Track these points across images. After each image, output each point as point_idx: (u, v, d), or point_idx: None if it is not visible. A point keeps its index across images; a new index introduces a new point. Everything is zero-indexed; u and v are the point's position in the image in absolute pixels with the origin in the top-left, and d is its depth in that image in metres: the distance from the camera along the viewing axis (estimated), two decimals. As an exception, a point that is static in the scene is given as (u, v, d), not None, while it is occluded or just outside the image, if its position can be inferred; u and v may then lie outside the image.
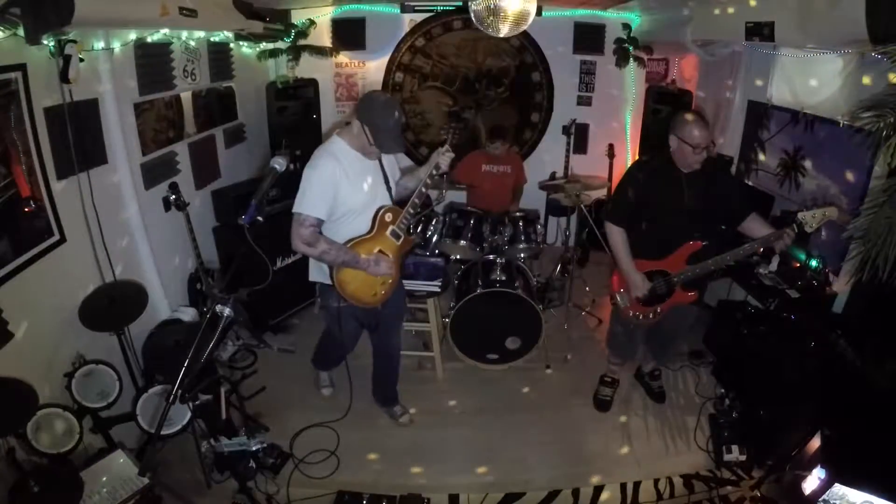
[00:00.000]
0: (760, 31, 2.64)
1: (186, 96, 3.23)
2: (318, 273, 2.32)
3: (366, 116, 2.12)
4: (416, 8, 4.40)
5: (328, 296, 2.34)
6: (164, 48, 2.92)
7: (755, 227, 2.38)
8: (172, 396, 1.59)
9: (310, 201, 2.08)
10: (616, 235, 2.47)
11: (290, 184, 2.38)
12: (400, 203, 2.37)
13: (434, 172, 2.29)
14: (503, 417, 2.93)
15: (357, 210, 2.22)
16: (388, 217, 2.29)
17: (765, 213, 3.07)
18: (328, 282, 2.24)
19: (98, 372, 2.29)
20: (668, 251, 2.44)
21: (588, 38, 4.57)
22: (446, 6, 4.39)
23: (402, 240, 2.34)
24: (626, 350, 2.94)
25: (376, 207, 2.26)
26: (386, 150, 2.23)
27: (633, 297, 2.49)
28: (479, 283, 3.15)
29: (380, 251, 2.27)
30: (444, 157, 2.27)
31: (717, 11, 3.05)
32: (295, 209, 2.11)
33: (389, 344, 2.72)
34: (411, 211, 2.30)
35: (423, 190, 2.30)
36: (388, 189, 2.34)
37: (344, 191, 2.14)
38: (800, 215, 2.17)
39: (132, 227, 2.72)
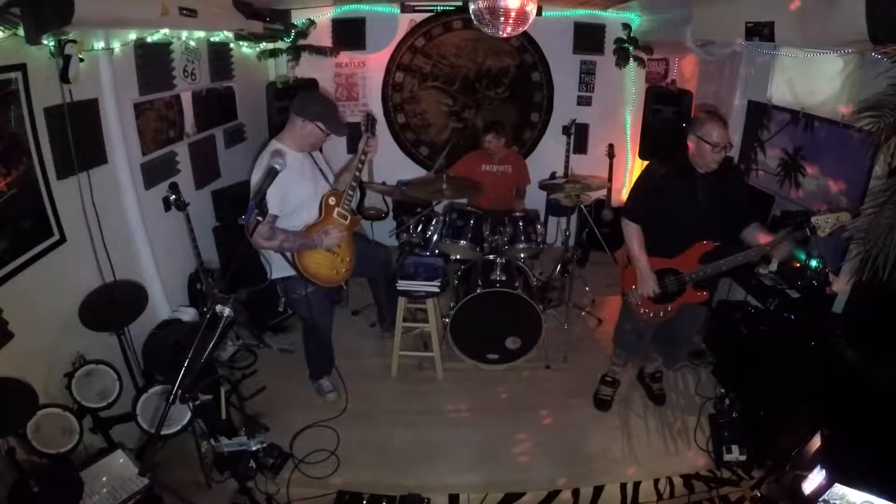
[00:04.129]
0: (760, 31, 2.64)
1: (186, 96, 3.22)
2: (279, 269, 2.48)
3: (312, 113, 2.40)
4: (416, 8, 4.40)
5: (294, 287, 2.55)
6: (164, 48, 2.92)
7: (756, 234, 2.38)
8: (172, 396, 1.59)
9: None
10: (632, 232, 2.49)
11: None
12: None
13: (363, 157, 2.61)
14: (503, 417, 2.93)
15: (307, 202, 2.49)
16: (332, 201, 2.56)
17: (765, 213, 3.07)
18: (291, 273, 2.46)
19: (98, 372, 2.29)
20: (681, 250, 2.45)
21: (588, 38, 4.56)
22: (446, 6, 4.39)
23: (349, 220, 2.61)
24: (635, 348, 2.90)
25: (321, 195, 2.53)
26: (338, 132, 2.51)
27: (644, 295, 2.50)
28: (479, 283, 3.15)
29: None
30: (370, 143, 2.62)
31: (717, 11, 3.05)
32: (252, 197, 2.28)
33: (382, 266, 3.12)
34: (350, 193, 2.60)
35: (357, 174, 2.60)
36: (326, 178, 2.63)
37: (293, 187, 2.39)
38: (813, 219, 2.16)
39: (132, 227, 2.72)
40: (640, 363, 3.13)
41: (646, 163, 3.77)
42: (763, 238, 2.34)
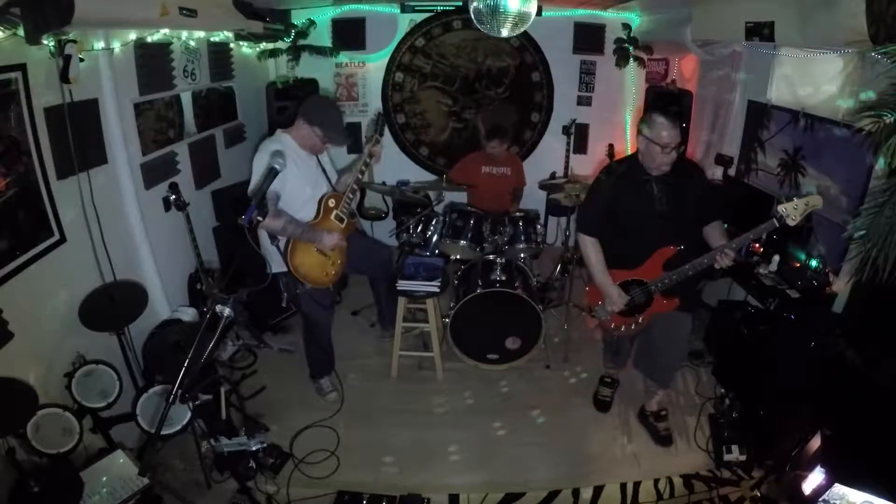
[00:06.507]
0: (760, 31, 2.64)
1: (186, 96, 3.23)
2: (278, 265, 2.48)
3: (313, 117, 2.42)
4: (416, 8, 4.40)
5: (291, 284, 2.55)
6: (164, 48, 2.93)
7: (714, 234, 2.33)
8: (172, 396, 1.59)
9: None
10: (589, 247, 2.40)
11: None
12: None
13: (367, 160, 2.57)
14: (503, 417, 2.93)
15: (304, 198, 2.49)
16: (332, 203, 2.56)
17: (765, 212, 3.06)
18: (285, 269, 2.46)
19: (98, 372, 2.29)
20: (643, 259, 2.35)
21: (588, 38, 4.56)
22: (446, 6, 4.39)
23: (345, 223, 2.61)
24: (618, 356, 2.91)
25: (320, 195, 2.53)
26: (336, 142, 2.56)
27: (611, 310, 2.43)
28: (479, 283, 3.15)
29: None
30: (375, 148, 2.57)
31: (717, 11, 3.06)
32: (251, 191, 2.32)
33: (382, 265, 3.09)
34: (350, 196, 2.59)
35: (360, 177, 2.58)
36: (329, 180, 2.64)
37: (290, 178, 2.36)
38: (780, 208, 2.00)
39: (132, 227, 2.72)
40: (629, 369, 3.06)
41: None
42: (716, 240, 2.27)
